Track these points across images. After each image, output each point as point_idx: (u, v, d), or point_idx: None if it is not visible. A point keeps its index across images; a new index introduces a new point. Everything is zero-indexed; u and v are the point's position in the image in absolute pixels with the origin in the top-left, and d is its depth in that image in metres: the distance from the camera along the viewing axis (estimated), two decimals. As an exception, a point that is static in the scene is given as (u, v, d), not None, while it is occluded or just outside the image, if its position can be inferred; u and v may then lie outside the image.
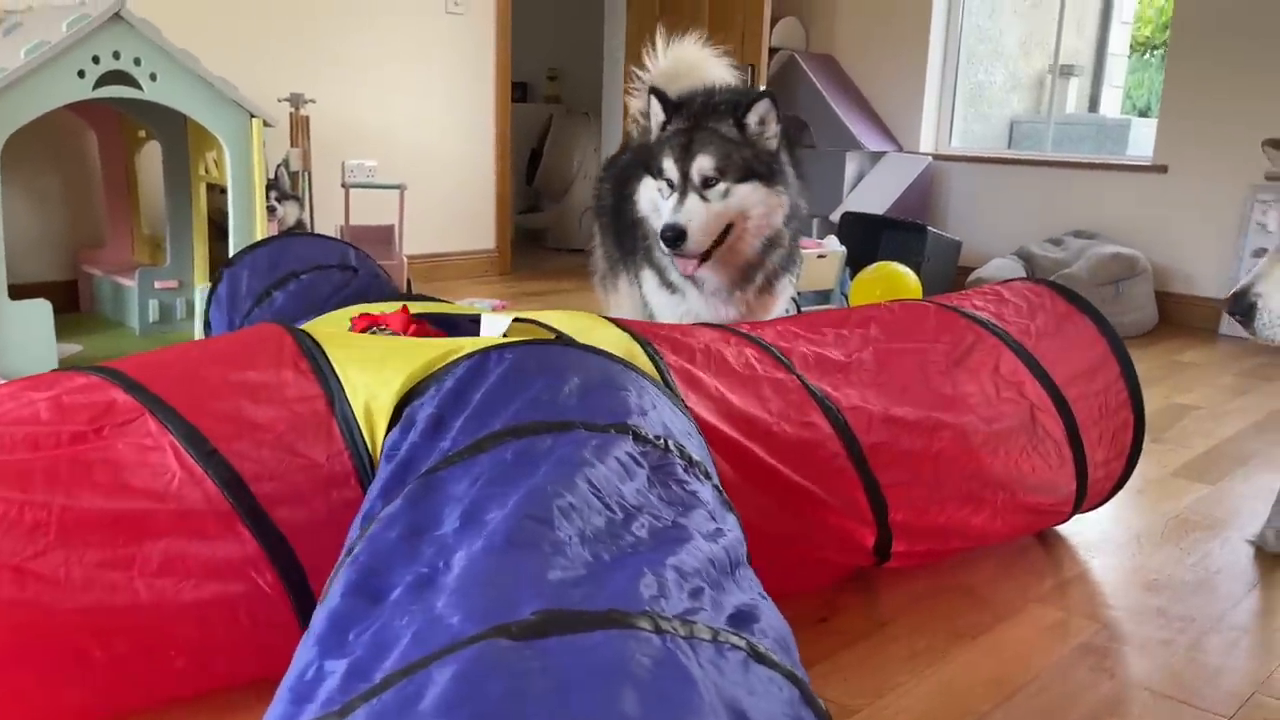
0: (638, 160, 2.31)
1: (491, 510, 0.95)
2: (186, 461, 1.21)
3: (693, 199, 2.10)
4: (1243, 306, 1.73)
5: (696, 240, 2.09)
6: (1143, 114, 7.51)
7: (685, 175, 2.12)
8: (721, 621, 0.84)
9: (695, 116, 2.16)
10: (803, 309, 3.62)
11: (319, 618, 0.90)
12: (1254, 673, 1.53)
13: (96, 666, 1.15)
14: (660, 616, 0.79)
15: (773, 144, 2.15)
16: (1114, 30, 7.93)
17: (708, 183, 2.11)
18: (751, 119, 2.13)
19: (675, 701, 0.70)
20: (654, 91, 2.24)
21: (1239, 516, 2.18)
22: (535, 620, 0.76)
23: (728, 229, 2.15)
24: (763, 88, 4.98)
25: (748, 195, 2.13)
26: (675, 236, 2.08)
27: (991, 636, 1.62)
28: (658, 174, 2.18)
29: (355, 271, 2.28)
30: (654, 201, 2.20)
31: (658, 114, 2.21)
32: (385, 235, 4.10)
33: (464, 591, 0.83)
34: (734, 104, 2.15)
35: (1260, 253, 4.24)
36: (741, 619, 0.87)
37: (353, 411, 1.29)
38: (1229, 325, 4.34)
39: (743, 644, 0.81)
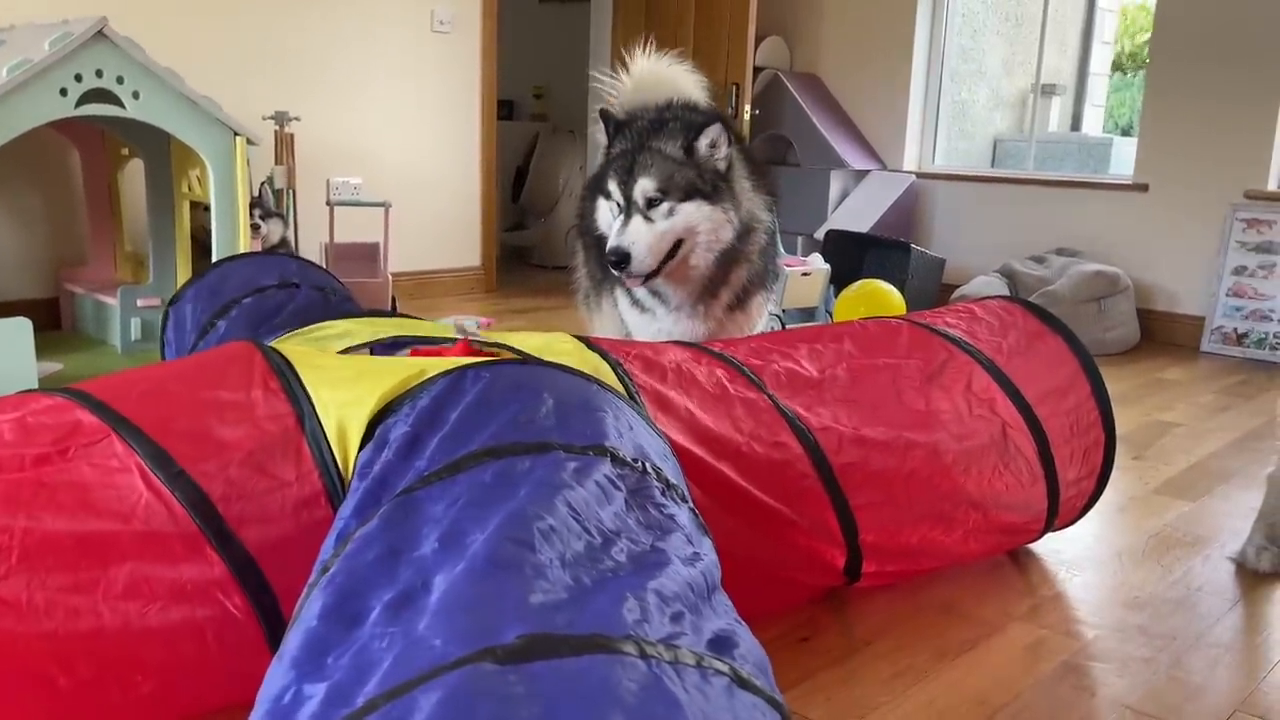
0: (593, 182, 2.35)
1: (472, 533, 0.94)
2: (153, 482, 1.19)
3: (636, 221, 2.14)
4: None
5: (640, 261, 2.13)
6: (1125, 133, 7.58)
7: (629, 198, 2.15)
8: (703, 646, 0.84)
9: (640, 136, 2.20)
10: (787, 326, 3.63)
11: (294, 640, 0.89)
12: (1236, 690, 1.53)
13: (61, 692, 1.12)
14: (644, 641, 0.79)
15: (721, 165, 2.18)
16: (1095, 50, 8.01)
17: (652, 203, 2.14)
18: (702, 143, 2.16)
19: None
20: (601, 113, 2.29)
21: (1220, 534, 2.19)
22: (519, 644, 0.76)
23: (679, 245, 2.18)
24: (747, 107, 5.01)
25: (692, 213, 2.16)
26: (619, 260, 2.13)
27: (974, 655, 1.62)
28: (606, 196, 2.23)
29: (297, 286, 2.26)
30: (608, 221, 2.24)
31: (602, 135, 2.26)
32: (370, 253, 4.09)
33: (446, 614, 0.83)
34: (685, 127, 2.18)
35: (1240, 270, 4.28)
36: (721, 644, 0.87)
37: (323, 430, 1.27)
38: (1211, 342, 4.37)
39: (726, 669, 0.80)
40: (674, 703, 0.72)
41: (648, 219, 2.14)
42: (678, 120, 2.20)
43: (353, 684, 0.78)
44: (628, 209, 2.15)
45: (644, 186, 2.14)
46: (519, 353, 1.60)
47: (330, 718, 0.75)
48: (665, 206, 2.14)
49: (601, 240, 2.28)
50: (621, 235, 2.13)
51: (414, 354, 1.72)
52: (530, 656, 0.74)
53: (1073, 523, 2.05)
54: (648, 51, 2.53)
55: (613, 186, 2.18)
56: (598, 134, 2.65)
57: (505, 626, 0.78)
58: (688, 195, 2.14)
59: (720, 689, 0.78)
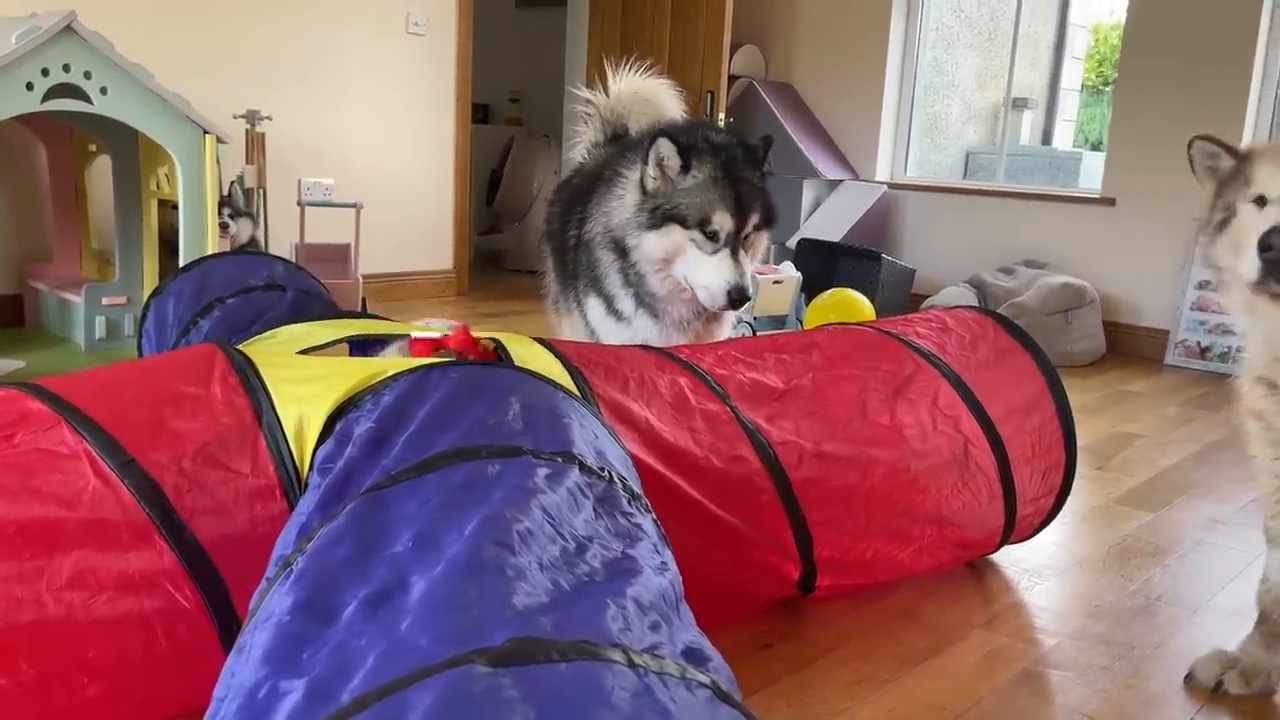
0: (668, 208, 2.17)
1: (448, 533, 0.93)
2: (102, 470, 1.17)
3: (742, 256, 2.09)
4: None
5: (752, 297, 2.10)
6: (1094, 148, 7.67)
7: (739, 232, 2.09)
8: (680, 658, 0.84)
9: (728, 165, 2.10)
10: (758, 334, 3.64)
11: (264, 635, 0.87)
12: (1192, 699, 1.55)
13: (2, 694, 1.09)
14: (631, 650, 0.79)
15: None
16: (1067, 65, 8.11)
17: (745, 235, 2.11)
18: (765, 165, 2.14)
19: None
20: (666, 135, 2.11)
21: (1180, 544, 2.21)
22: (510, 647, 0.75)
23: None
24: (722, 115, 5.03)
25: (760, 241, 2.15)
26: (741, 299, 2.07)
27: (935, 662, 1.63)
28: (699, 226, 2.08)
29: (283, 289, 2.22)
30: (678, 249, 2.10)
31: (672, 159, 2.08)
32: (341, 254, 4.06)
33: (429, 614, 0.82)
34: (751, 149, 2.14)
35: (1204, 285, 4.34)
36: (694, 656, 0.87)
37: (280, 424, 1.26)
38: (1175, 355, 4.42)
39: (708, 681, 0.80)
40: (665, 712, 0.72)
41: (743, 251, 2.10)
42: (744, 146, 2.14)
43: (333, 680, 0.77)
44: (735, 244, 2.08)
45: (755, 221, 2.10)
46: (506, 353, 1.59)
47: (315, 714, 0.73)
48: (749, 238, 2.12)
49: (568, 245, 2.25)
50: (738, 273, 2.06)
51: (413, 344, 1.72)
52: (521, 660, 0.74)
53: (1028, 538, 2.07)
54: (629, 68, 2.51)
55: (719, 218, 2.06)
56: (575, 152, 2.63)
57: (492, 629, 0.77)
58: (763, 224, 2.14)
59: (704, 701, 0.77)
